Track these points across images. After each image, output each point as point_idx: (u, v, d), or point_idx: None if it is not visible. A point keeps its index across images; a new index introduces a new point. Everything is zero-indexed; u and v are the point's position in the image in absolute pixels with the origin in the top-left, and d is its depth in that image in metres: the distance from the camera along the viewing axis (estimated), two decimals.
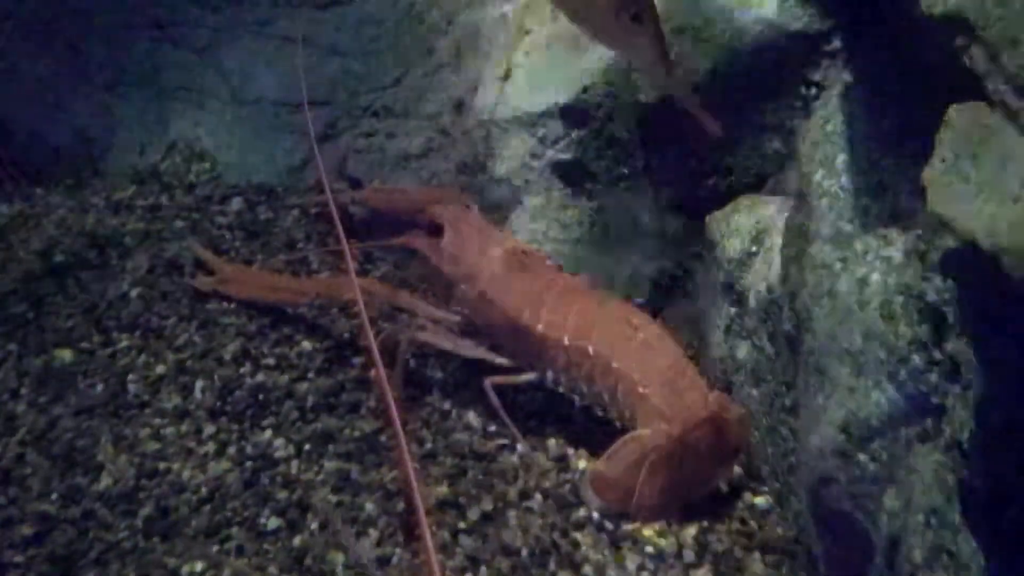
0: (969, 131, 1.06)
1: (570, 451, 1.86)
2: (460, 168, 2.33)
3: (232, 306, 2.18)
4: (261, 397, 1.93)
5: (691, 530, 1.70)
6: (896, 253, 1.37)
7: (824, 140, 1.60)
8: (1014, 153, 1.00)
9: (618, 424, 1.83)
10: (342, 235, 1.95)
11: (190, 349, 2.05)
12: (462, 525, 1.64)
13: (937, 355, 1.25)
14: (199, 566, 1.60)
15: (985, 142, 1.03)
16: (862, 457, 1.33)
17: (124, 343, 2.09)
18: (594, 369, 1.79)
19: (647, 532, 1.69)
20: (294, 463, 1.79)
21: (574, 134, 2.14)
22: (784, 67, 1.85)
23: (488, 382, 1.85)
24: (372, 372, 1.99)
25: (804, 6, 1.83)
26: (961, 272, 1.07)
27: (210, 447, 1.84)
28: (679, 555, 1.65)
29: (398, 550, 1.60)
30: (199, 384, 1.97)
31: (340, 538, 1.62)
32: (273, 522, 1.67)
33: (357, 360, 2.04)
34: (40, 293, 2.24)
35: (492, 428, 1.88)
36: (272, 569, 1.58)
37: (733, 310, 1.83)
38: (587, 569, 1.59)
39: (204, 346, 2.06)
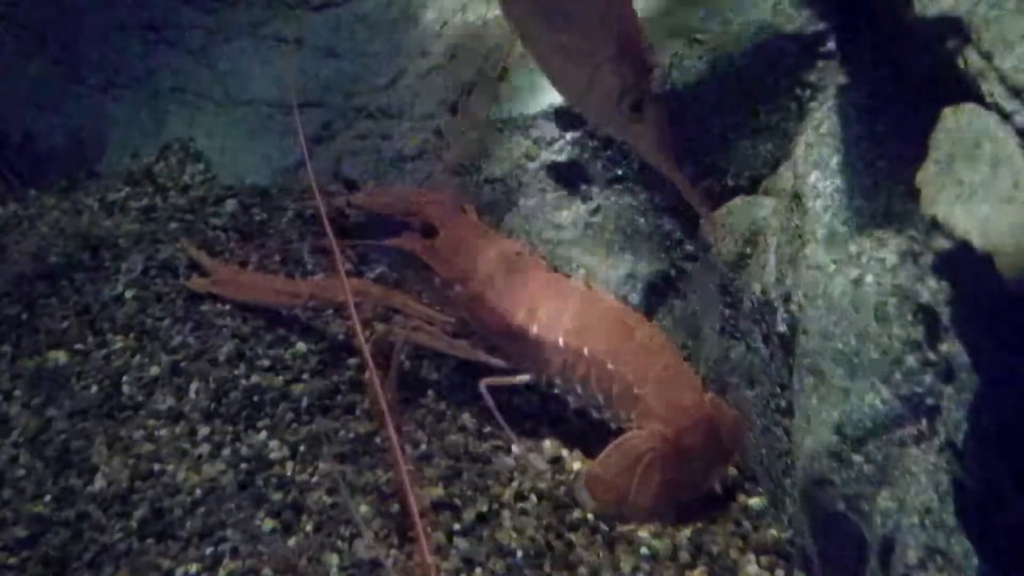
0: (963, 133, 1.07)
1: (565, 452, 1.86)
2: (455, 169, 2.33)
3: (226, 307, 2.18)
4: (256, 399, 1.93)
5: (686, 531, 1.70)
6: (890, 254, 1.37)
7: (818, 142, 1.61)
8: (1008, 155, 1.00)
9: (613, 425, 1.84)
10: (331, 236, 1.95)
11: (184, 351, 2.05)
12: (457, 527, 1.64)
13: (931, 356, 1.25)
14: (193, 568, 1.60)
15: (979, 144, 1.04)
16: (856, 458, 1.33)
17: (118, 345, 2.08)
18: (589, 370, 1.79)
19: (642, 533, 1.69)
20: (289, 465, 1.79)
21: (569, 135, 2.15)
22: (779, 69, 1.85)
23: (483, 384, 1.85)
24: (366, 374, 1.99)
25: (799, 8, 1.84)
26: (955, 273, 1.07)
27: (204, 449, 1.83)
28: (674, 556, 1.65)
29: (393, 551, 1.60)
30: (194, 386, 1.96)
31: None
32: (268, 524, 1.67)
33: (352, 362, 2.04)
34: (34, 295, 2.24)
35: (487, 430, 1.89)
36: (267, 571, 1.58)
37: (727, 311, 1.83)
38: (582, 570, 1.59)
39: (198, 348, 2.05)
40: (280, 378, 1.98)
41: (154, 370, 2.01)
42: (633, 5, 1.73)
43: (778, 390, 1.63)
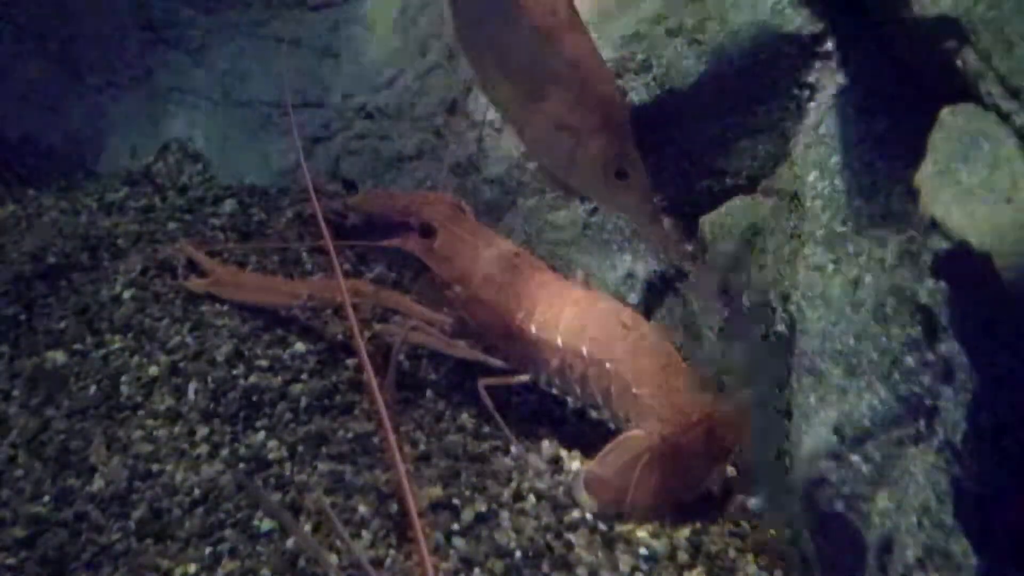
0: (961, 133, 1.07)
1: (563, 452, 1.86)
2: (453, 169, 2.33)
3: (225, 308, 2.18)
4: (254, 399, 1.92)
5: (684, 531, 1.70)
6: (889, 254, 1.37)
7: (817, 142, 1.61)
8: (1006, 155, 1.00)
9: (611, 425, 1.84)
10: (327, 236, 1.95)
11: (183, 351, 2.05)
12: (456, 527, 1.64)
13: (930, 356, 1.25)
14: (192, 568, 1.60)
15: (977, 144, 1.04)
16: (855, 458, 1.33)
17: (117, 345, 2.08)
18: (587, 370, 1.79)
19: (641, 533, 1.69)
20: (287, 465, 1.79)
21: None
22: (777, 69, 1.85)
23: (482, 384, 1.85)
24: (364, 374, 1.99)
25: (797, 8, 1.84)
26: (954, 273, 1.07)
27: (203, 449, 1.83)
28: (672, 556, 1.65)
29: (392, 552, 1.60)
30: (192, 386, 1.96)
31: (336, 536, 1.62)
32: (266, 524, 1.67)
33: (350, 362, 2.04)
34: (32, 295, 2.23)
35: (486, 430, 1.88)
36: (265, 571, 1.57)
37: (726, 311, 1.83)
38: (581, 570, 1.59)
39: (197, 348, 2.05)
40: (278, 378, 1.98)
41: (153, 370, 2.00)
42: (610, 71, 1.70)
43: (776, 390, 1.63)
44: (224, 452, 1.82)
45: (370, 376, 1.59)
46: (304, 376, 2.00)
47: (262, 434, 1.86)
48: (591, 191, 1.83)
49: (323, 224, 1.97)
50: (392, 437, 1.48)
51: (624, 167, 1.62)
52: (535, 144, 1.80)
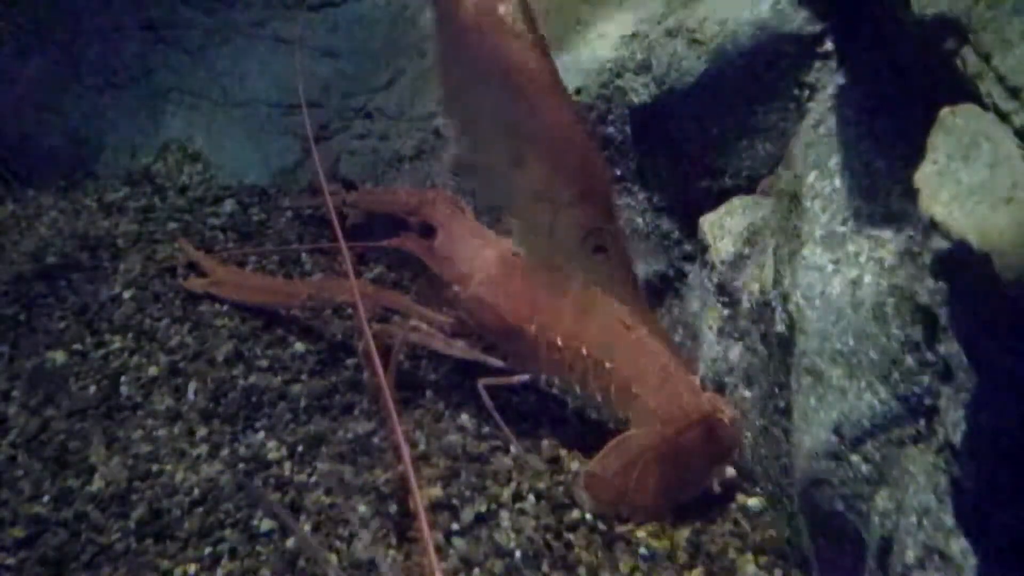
0: (961, 133, 1.07)
1: (563, 452, 1.86)
2: (453, 169, 2.33)
3: (224, 308, 2.18)
4: (254, 399, 1.93)
5: (684, 531, 1.70)
6: (888, 254, 1.37)
7: (817, 142, 1.61)
8: (1006, 155, 1.00)
9: (611, 425, 1.83)
10: (340, 235, 1.95)
11: (183, 351, 2.05)
12: (455, 527, 1.64)
13: (929, 356, 1.25)
14: (192, 568, 1.60)
15: (977, 144, 1.04)
16: (854, 458, 1.33)
17: (116, 345, 2.08)
18: (587, 370, 1.79)
19: (640, 533, 1.69)
20: (287, 465, 1.79)
21: None
22: (777, 69, 1.85)
23: (481, 383, 1.85)
24: (366, 374, 1.99)
25: (797, 8, 1.84)
26: (953, 273, 1.07)
27: (203, 449, 1.83)
28: (672, 556, 1.65)
29: (392, 552, 1.60)
30: (192, 386, 1.96)
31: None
32: (266, 524, 1.67)
33: (350, 361, 2.04)
34: (32, 295, 2.24)
35: (485, 430, 1.88)
36: (265, 571, 1.58)
37: (726, 311, 1.83)
38: (580, 571, 1.59)
39: (196, 348, 2.05)
40: (278, 378, 1.98)
41: (152, 370, 2.01)
42: (592, 142, 1.69)
43: (776, 390, 1.63)
44: (224, 452, 1.83)
45: (382, 378, 1.59)
46: (304, 376, 2.00)
47: (262, 434, 1.86)
48: (569, 262, 1.83)
49: (336, 224, 1.97)
50: (401, 436, 1.48)
51: (602, 241, 1.61)
52: (516, 213, 1.79)
